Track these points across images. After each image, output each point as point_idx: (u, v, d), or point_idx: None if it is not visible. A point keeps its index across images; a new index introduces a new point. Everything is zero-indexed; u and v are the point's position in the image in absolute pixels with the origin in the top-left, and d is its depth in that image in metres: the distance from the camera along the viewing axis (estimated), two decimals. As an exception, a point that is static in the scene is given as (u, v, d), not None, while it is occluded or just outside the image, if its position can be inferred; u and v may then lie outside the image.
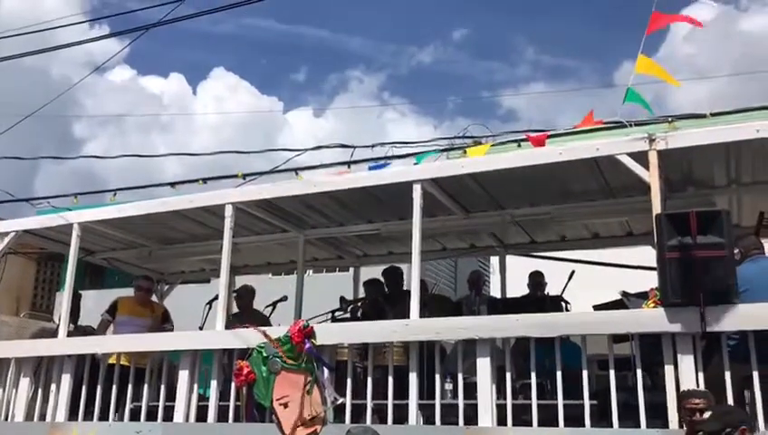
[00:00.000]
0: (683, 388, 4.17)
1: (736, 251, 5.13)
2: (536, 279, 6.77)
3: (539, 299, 6.47)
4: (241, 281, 7.91)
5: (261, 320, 6.88)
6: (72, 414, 6.20)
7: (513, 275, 7.62)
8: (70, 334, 6.66)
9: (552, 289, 6.77)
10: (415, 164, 6.22)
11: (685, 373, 4.27)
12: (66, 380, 6.28)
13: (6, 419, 6.52)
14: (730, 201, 5.92)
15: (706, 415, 3.21)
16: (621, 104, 5.73)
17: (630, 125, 6.21)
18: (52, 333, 7.04)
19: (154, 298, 8.26)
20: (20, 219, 7.17)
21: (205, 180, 7.63)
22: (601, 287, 6.01)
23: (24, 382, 6.51)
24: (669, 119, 6.77)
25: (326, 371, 5.19)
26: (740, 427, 2.98)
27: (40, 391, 6.44)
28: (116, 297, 7.30)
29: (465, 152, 6.73)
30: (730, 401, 4.19)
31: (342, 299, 7.49)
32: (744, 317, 4.22)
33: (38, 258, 14.39)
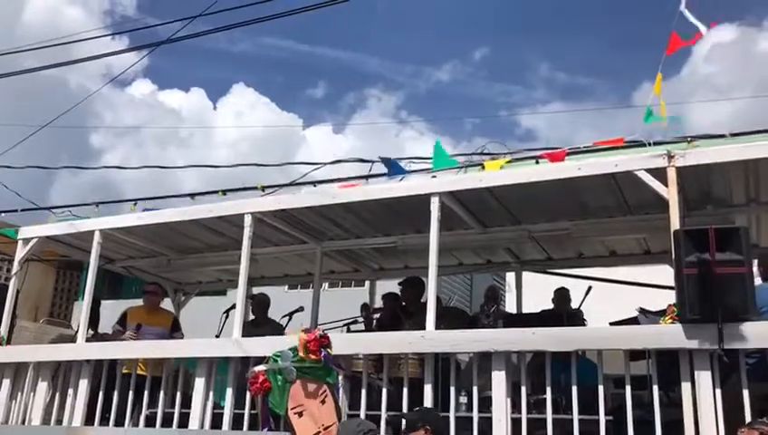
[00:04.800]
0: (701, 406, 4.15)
1: (760, 270, 5.14)
2: (562, 294, 6.68)
3: (555, 315, 6.44)
4: (257, 292, 7.96)
5: (276, 329, 6.94)
6: (89, 419, 6.25)
7: (529, 291, 7.62)
8: (88, 341, 6.73)
9: (567, 306, 6.74)
10: (432, 173, 6.22)
11: (702, 390, 4.25)
12: (84, 385, 6.33)
13: (24, 422, 6.58)
14: (749, 220, 5.89)
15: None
16: (643, 122, 5.75)
17: (650, 144, 6.21)
18: (71, 340, 7.10)
19: (169, 306, 8.34)
20: (43, 225, 7.27)
21: (224, 192, 7.70)
22: (618, 306, 6.00)
23: (42, 387, 6.57)
24: (688, 138, 6.75)
25: (340, 378, 5.22)
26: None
27: (57, 395, 6.50)
28: (126, 308, 7.34)
29: (482, 168, 6.73)
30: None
31: (364, 306, 7.54)
32: (763, 335, 4.21)
33: (58, 267, 14.50)
